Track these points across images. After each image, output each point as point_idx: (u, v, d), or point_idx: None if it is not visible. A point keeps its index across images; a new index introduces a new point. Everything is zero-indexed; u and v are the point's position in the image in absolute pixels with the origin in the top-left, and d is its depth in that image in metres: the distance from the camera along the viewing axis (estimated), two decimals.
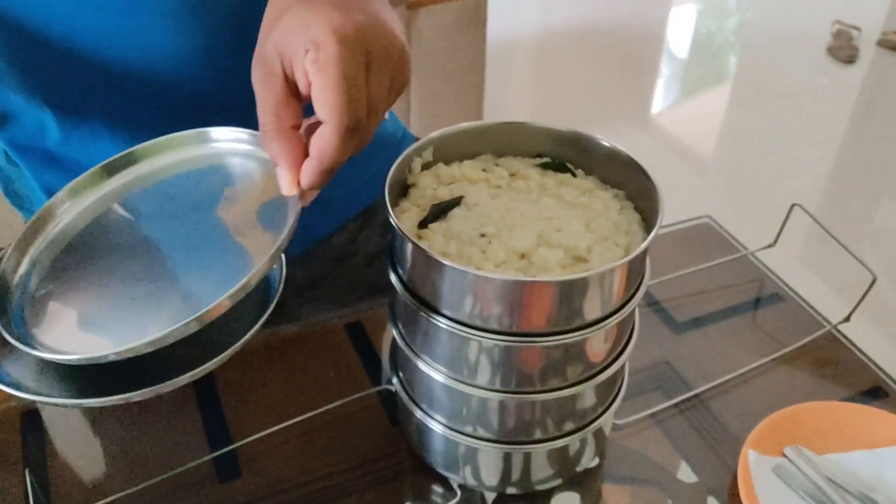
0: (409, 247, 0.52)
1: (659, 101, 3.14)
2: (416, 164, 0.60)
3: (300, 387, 0.71)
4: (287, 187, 0.47)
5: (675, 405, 0.71)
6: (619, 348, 0.58)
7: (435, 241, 0.54)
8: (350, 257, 0.86)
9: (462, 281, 0.50)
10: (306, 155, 0.46)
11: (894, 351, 1.66)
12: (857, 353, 0.76)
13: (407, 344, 0.58)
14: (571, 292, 0.50)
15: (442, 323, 0.52)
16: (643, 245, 0.51)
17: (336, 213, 0.83)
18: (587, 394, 0.58)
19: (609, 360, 0.57)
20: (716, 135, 2.82)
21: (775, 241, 0.84)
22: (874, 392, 0.73)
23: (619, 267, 0.50)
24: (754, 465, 0.63)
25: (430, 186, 0.60)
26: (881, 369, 0.74)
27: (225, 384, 0.71)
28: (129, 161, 0.58)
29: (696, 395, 0.72)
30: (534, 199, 0.59)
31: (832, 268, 1.72)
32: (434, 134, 0.60)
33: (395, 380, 0.62)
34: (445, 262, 0.49)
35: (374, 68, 0.45)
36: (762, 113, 2.86)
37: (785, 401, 0.69)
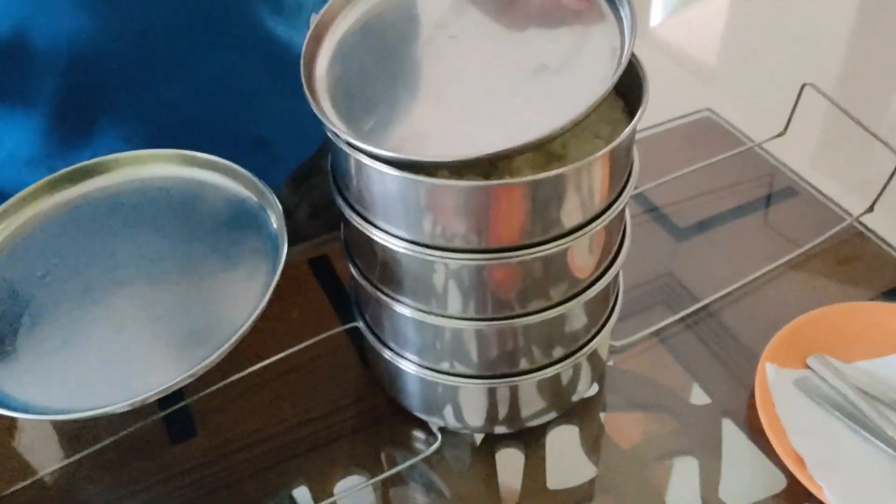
0: (343, 152, 0.43)
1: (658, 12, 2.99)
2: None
3: (258, 330, 0.63)
4: None
5: (681, 320, 0.63)
6: (609, 258, 0.50)
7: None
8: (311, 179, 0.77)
9: (414, 192, 0.42)
10: None
11: None
12: (884, 245, 0.68)
13: (364, 276, 0.50)
14: (545, 194, 0.42)
15: (399, 247, 0.44)
16: (626, 131, 0.43)
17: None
18: (575, 313, 0.50)
19: (598, 272, 0.49)
20: (721, 23, 2.68)
21: (785, 129, 0.74)
22: None
23: (599, 159, 0.41)
24: (773, 380, 0.56)
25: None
26: None
27: None
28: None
29: (703, 308, 0.64)
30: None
31: (851, 155, 1.61)
32: None
33: (358, 318, 0.54)
34: (387, 171, 0.41)
35: None
36: None
37: (805, 307, 0.61)
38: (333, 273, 0.68)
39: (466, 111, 0.44)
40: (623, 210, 0.48)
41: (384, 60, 0.47)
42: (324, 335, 0.59)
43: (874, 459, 0.52)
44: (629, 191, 0.47)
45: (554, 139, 0.40)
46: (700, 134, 0.80)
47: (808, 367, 0.58)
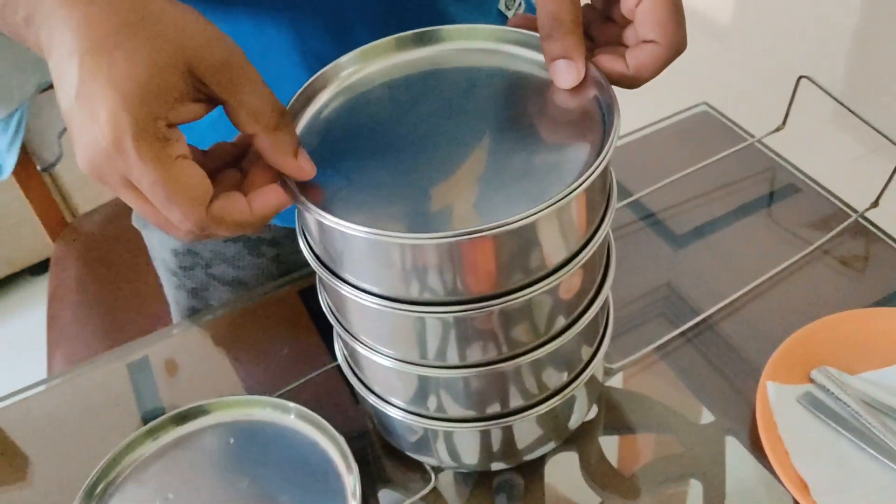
0: (306, 213, 0.41)
1: None
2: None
3: (249, 369, 0.63)
4: (577, 77, 0.45)
5: (681, 334, 0.61)
6: (595, 286, 0.48)
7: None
8: None
9: (375, 250, 0.40)
10: None
11: None
12: (890, 241, 0.65)
13: (342, 326, 0.48)
14: (512, 244, 0.40)
15: (371, 302, 0.43)
16: (601, 160, 0.40)
17: None
18: (565, 347, 0.48)
19: (584, 303, 0.47)
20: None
21: (783, 122, 0.72)
22: None
23: (572, 201, 0.39)
24: (775, 399, 0.54)
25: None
26: None
27: (163, 367, 0.63)
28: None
29: (704, 320, 0.62)
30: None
31: (852, 148, 1.56)
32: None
33: (342, 361, 0.53)
34: (346, 230, 0.39)
35: None
36: None
37: (809, 314, 0.59)
38: None
39: (437, 188, 0.42)
40: (605, 238, 0.46)
41: (367, 134, 0.46)
42: (314, 374, 0.58)
43: (883, 479, 0.51)
44: (608, 221, 0.45)
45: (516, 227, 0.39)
46: (697, 130, 0.77)
47: (811, 380, 0.56)
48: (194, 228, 0.39)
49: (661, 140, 0.77)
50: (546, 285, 0.43)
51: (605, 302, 0.52)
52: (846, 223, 0.66)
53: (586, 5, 0.49)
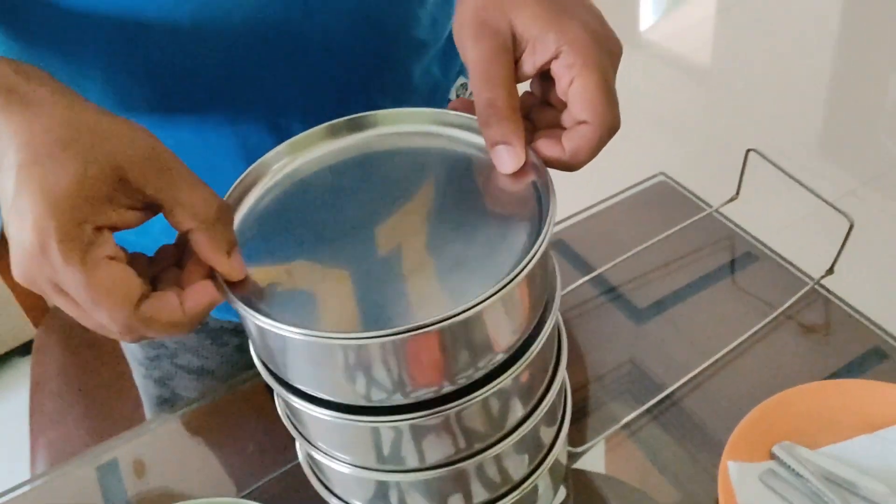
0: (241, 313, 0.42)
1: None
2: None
3: (217, 467, 0.63)
4: (517, 162, 0.45)
5: (647, 411, 0.62)
6: (550, 373, 0.48)
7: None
8: None
9: (312, 351, 0.40)
10: None
11: (889, 302, 1.52)
12: (848, 309, 0.66)
13: (299, 432, 0.49)
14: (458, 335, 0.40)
15: (322, 414, 0.43)
16: (538, 246, 0.40)
17: None
18: (525, 438, 0.48)
19: (540, 391, 0.48)
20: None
21: (737, 193, 0.73)
22: (873, 354, 0.63)
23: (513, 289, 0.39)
24: (737, 478, 0.54)
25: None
26: (877, 325, 0.65)
27: (132, 468, 0.63)
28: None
29: (668, 396, 0.62)
30: None
31: (805, 216, 1.58)
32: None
33: (303, 464, 0.53)
34: (280, 332, 0.39)
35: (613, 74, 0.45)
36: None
37: (771, 385, 0.60)
38: None
39: (374, 281, 0.43)
40: (553, 327, 0.46)
41: (303, 225, 0.46)
42: (278, 472, 0.58)
43: None
44: (555, 310, 0.45)
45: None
46: (656, 200, 0.79)
47: (773, 456, 0.56)
48: (122, 330, 0.39)
49: (620, 211, 0.78)
50: (499, 384, 0.43)
51: (562, 386, 0.52)
52: (803, 291, 0.67)
53: (525, 92, 0.50)
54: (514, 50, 0.46)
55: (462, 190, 0.47)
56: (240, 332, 0.74)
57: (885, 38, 2.54)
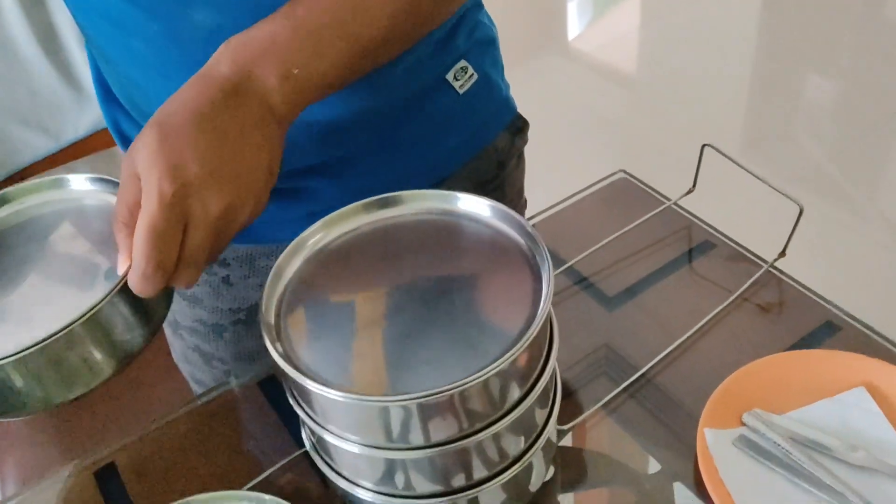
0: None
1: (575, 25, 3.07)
2: None
3: (212, 469, 0.65)
4: (119, 268, 0.51)
5: (624, 390, 0.66)
6: (542, 359, 0.52)
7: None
8: None
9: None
10: None
11: (837, 280, 1.63)
12: (800, 288, 0.72)
13: (310, 416, 0.51)
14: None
15: (330, 394, 0.47)
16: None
17: None
18: (522, 417, 0.52)
19: (535, 374, 0.52)
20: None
21: (693, 186, 0.78)
22: (826, 329, 0.68)
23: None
24: (713, 443, 0.59)
25: None
26: (827, 301, 0.70)
27: (132, 471, 0.64)
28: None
29: (642, 376, 0.67)
30: None
31: (759, 203, 1.68)
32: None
33: (311, 450, 0.56)
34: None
35: (191, 230, 0.49)
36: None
37: (735, 360, 0.64)
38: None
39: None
40: (546, 317, 0.50)
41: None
42: (281, 463, 0.60)
43: None
44: (547, 304, 0.49)
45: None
46: (617, 196, 0.83)
47: (744, 423, 0.61)
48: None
49: (585, 207, 0.83)
50: (499, 365, 0.47)
51: (554, 369, 0.56)
52: (758, 273, 0.72)
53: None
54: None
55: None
56: (227, 263, 0.77)
57: (800, 43, 2.68)
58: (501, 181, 0.82)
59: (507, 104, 0.81)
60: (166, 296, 0.58)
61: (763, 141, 2.34)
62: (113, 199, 0.57)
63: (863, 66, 2.57)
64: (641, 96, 2.59)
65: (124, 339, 0.53)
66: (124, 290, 0.51)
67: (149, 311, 0.55)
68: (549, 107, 2.39)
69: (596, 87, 2.60)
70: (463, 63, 0.73)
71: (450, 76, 0.72)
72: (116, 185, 0.59)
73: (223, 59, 0.52)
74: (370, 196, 0.58)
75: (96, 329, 0.51)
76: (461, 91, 0.73)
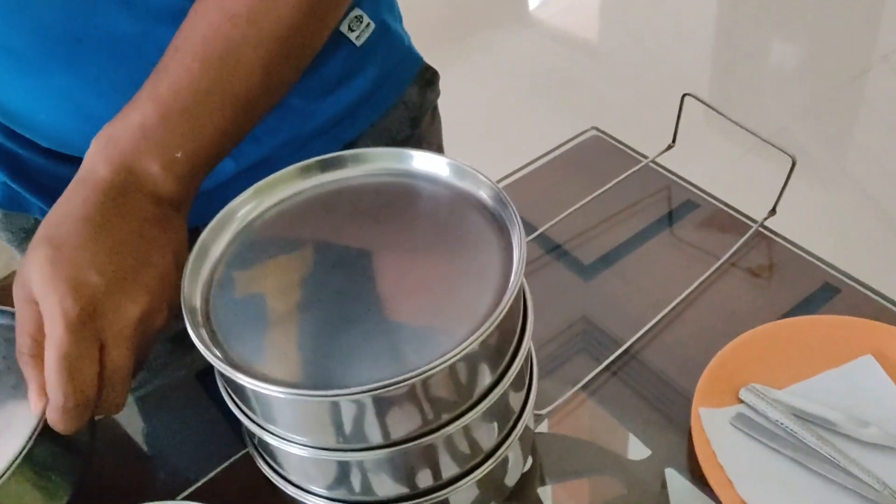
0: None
1: None
2: None
3: (152, 468, 0.57)
4: (32, 408, 0.45)
5: (606, 368, 0.59)
6: (516, 337, 0.45)
7: None
8: None
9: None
10: None
11: (833, 238, 1.55)
12: (794, 248, 0.66)
13: (246, 416, 0.44)
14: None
15: (267, 390, 0.39)
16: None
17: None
18: (495, 405, 0.45)
19: (508, 355, 0.45)
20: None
21: (673, 140, 0.72)
22: (824, 291, 0.62)
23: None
24: (709, 423, 0.53)
25: None
26: (823, 261, 0.64)
27: None
28: None
29: (626, 351, 0.60)
30: None
31: (745, 158, 1.61)
32: None
33: (252, 452, 0.48)
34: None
35: (109, 348, 0.44)
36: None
37: (727, 331, 0.58)
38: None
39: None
40: (519, 290, 0.43)
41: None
42: (222, 466, 0.53)
43: (824, 492, 0.50)
44: (519, 275, 0.42)
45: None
46: (590, 155, 0.76)
47: (741, 400, 0.55)
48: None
49: (555, 168, 0.76)
50: (466, 347, 0.39)
51: (529, 349, 0.49)
52: (748, 234, 0.66)
53: None
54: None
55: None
56: None
57: (762, 6, 2.63)
58: (418, 139, 0.75)
59: (411, 54, 0.73)
60: (90, 426, 0.50)
61: (730, 102, 2.29)
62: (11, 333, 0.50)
63: (827, 25, 2.54)
64: (606, 61, 2.52)
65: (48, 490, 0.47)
66: (45, 431, 0.44)
67: (73, 449, 0.49)
68: (512, 74, 2.31)
69: (560, 53, 2.53)
70: (357, 11, 0.65)
71: (344, 27, 0.65)
72: (12, 315, 0.51)
73: (98, 161, 0.47)
74: (269, 168, 0.50)
75: (20, 485, 0.44)
76: (358, 43, 0.66)
